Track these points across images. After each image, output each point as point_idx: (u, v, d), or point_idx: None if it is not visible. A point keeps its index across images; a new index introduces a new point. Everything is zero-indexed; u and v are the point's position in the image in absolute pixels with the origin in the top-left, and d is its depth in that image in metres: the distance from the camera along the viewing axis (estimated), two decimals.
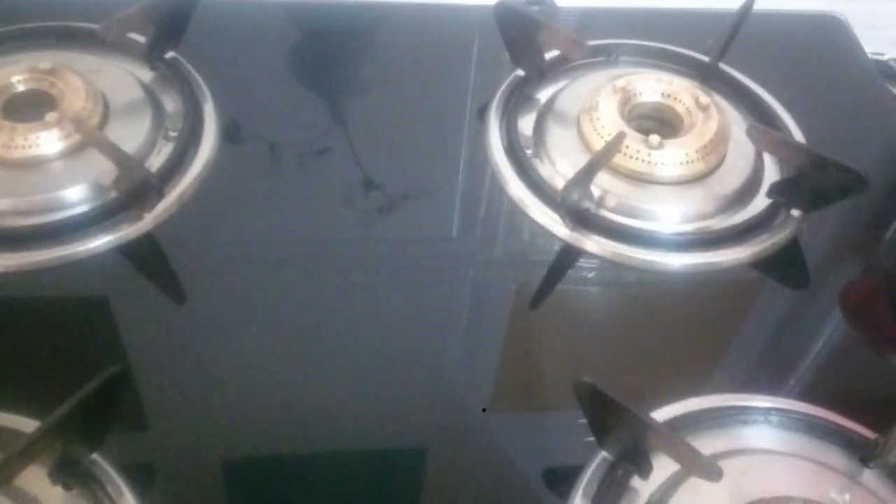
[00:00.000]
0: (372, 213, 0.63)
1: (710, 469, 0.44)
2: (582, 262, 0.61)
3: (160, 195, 0.55)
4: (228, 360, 0.54)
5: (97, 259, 0.56)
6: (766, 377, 0.56)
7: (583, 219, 0.60)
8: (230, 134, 0.66)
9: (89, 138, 0.56)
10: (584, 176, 0.58)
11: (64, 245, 0.56)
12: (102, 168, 0.58)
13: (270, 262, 0.59)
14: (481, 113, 0.70)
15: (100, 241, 0.57)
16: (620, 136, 0.61)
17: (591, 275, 0.61)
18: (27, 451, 0.42)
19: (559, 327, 0.59)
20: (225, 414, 0.51)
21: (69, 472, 0.45)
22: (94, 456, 0.46)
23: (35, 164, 0.58)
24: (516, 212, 0.63)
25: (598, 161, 0.59)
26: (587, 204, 0.60)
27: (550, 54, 0.70)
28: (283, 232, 0.61)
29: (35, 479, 0.45)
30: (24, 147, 0.58)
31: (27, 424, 0.46)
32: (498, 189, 0.65)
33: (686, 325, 0.59)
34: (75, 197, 0.58)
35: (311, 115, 0.70)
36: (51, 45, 0.67)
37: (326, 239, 0.62)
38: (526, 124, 0.68)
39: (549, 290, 0.61)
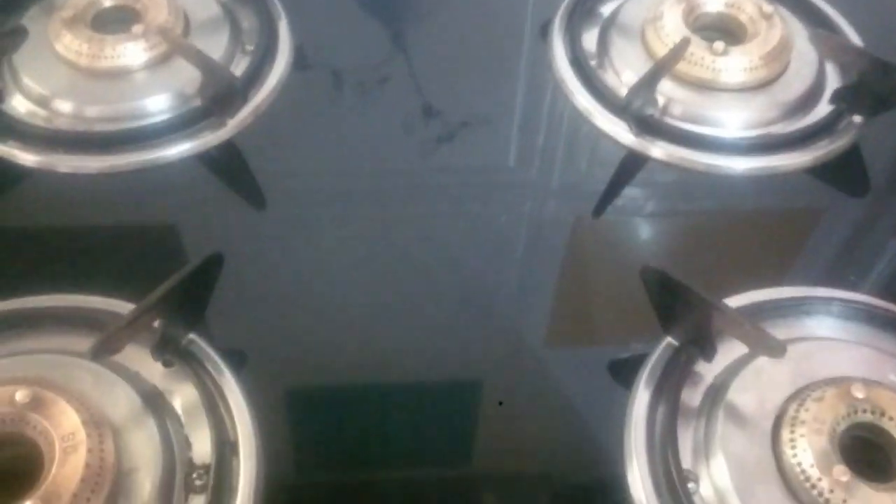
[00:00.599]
0: (431, 142, 0.65)
1: (774, 345, 0.46)
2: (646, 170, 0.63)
3: (244, 100, 0.58)
4: (299, 265, 0.56)
5: (181, 163, 0.59)
6: (827, 271, 0.57)
7: (647, 124, 0.61)
8: (301, 54, 0.68)
9: (176, 46, 0.59)
10: (649, 81, 0.59)
11: (149, 150, 0.59)
12: (185, 78, 0.61)
13: (335, 190, 0.62)
14: (543, 29, 0.71)
15: (183, 147, 0.60)
16: (685, 42, 0.62)
17: (654, 182, 0.63)
18: (130, 325, 0.45)
19: (621, 246, 0.61)
20: (297, 312, 0.54)
21: (170, 349, 0.48)
22: (192, 336, 0.49)
23: (122, 74, 0.61)
24: (580, 124, 0.65)
25: (663, 66, 0.60)
26: (651, 110, 0.61)
27: None
28: (347, 158, 0.63)
29: (138, 356, 0.48)
30: (111, 57, 0.61)
31: (124, 307, 0.49)
32: (560, 106, 0.67)
33: (748, 226, 0.61)
34: (160, 105, 0.61)
35: (374, 40, 0.72)
36: None
37: (386, 168, 0.64)
38: (589, 39, 0.69)
39: (614, 197, 0.63)
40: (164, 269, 0.48)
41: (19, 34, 0.59)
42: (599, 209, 0.62)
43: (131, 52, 0.61)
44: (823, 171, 0.63)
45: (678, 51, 0.61)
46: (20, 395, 0.43)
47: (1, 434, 0.43)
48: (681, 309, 0.48)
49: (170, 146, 0.59)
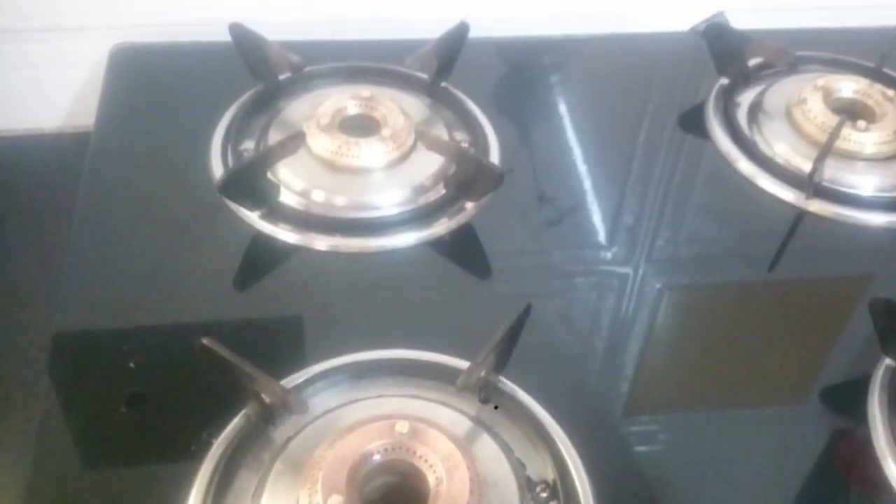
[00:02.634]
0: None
1: None
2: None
3: (500, 180, 0.68)
4: None
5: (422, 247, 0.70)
6: None
7: (819, 189, 0.73)
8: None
9: (433, 143, 0.69)
10: (823, 154, 0.72)
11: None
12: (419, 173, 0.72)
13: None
14: (694, 116, 0.83)
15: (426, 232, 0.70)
16: (842, 122, 0.74)
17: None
18: (480, 364, 0.55)
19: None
20: None
21: (489, 389, 0.57)
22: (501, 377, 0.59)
23: (366, 171, 0.72)
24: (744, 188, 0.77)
25: (831, 142, 0.72)
26: (819, 177, 0.73)
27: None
28: None
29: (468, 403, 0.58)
30: (357, 157, 0.72)
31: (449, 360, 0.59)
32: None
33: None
34: (401, 197, 0.71)
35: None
36: (340, 81, 0.81)
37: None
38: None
39: (781, 255, 0.74)
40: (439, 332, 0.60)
41: (300, 138, 0.69)
42: (772, 267, 0.73)
43: (376, 153, 0.72)
44: None
45: (838, 129, 0.73)
46: (399, 426, 0.52)
47: (387, 461, 0.52)
48: None
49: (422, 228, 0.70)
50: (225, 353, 0.52)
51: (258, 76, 0.79)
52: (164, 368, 0.60)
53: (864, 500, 0.59)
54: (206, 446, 0.55)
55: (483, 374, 0.57)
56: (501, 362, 0.58)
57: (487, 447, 0.55)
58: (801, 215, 0.74)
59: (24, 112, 0.89)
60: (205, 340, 0.52)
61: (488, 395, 0.58)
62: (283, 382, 0.56)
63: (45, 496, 0.53)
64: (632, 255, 0.73)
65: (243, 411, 0.56)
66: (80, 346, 0.62)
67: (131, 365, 0.60)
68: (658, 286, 0.71)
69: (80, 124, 0.86)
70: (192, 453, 0.54)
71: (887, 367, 0.61)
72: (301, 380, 0.58)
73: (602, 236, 0.75)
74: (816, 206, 0.74)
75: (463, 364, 0.58)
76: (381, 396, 0.58)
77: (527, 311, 0.57)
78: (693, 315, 0.71)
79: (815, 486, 0.58)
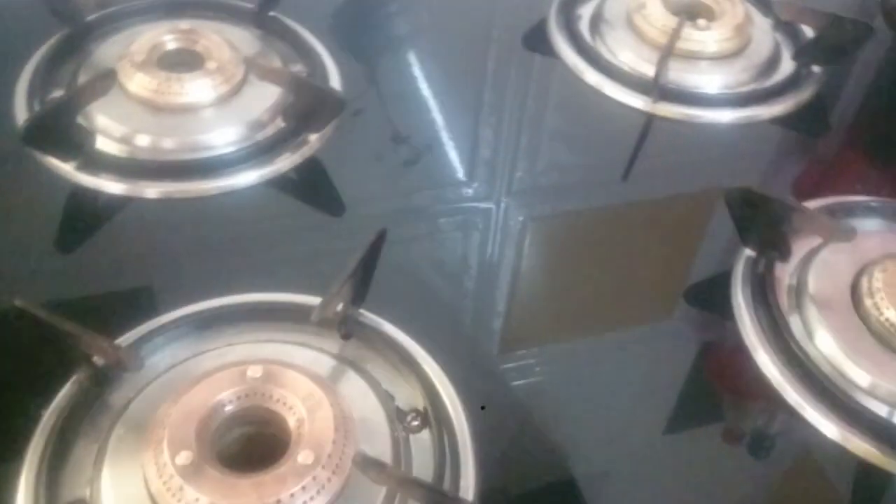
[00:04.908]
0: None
1: (848, 230, 0.56)
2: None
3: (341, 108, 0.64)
4: None
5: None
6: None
7: (664, 92, 0.72)
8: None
9: (265, 73, 0.64)
10: (665, 56, 0.70)
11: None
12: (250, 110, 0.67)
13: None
14: (538, 34, 0.81)
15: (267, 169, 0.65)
16: (682, 23, 0.73)
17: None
18: (337, 293, 0.50)
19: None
20: None
21: (348, 323, 0.53)
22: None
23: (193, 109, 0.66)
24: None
25: (671, 43, 0.71)
26: (663, 80, 0.72)
27: None
28: None
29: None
30: (181, 94, 0.65)
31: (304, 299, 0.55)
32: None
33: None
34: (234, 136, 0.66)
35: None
36: (156, 17, 0.74)
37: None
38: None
39: (634, 162, 0.73)
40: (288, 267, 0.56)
41: (111, 77, 0.63)
42: (626, 175, 0.72)
43: (203, 88, 0.66)
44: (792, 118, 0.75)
45: (678, 30, 0.72)
46: (252, 371, 0.47)
47: (241, 409, 0.47)
48: (761, 218, 0.58)
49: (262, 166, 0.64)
50: (41, 312, 0.46)
51: (62, 18, 0.71)
52: None
53: (739, 409, 0.58)
54: (35, 420, 0.48)
55: (340, 307, 0.52)
56: (360, 294, 0.54)
57: (352, 383, 0.51)
58: (650, 120, 0.73)
59: None
60: (17, 302, 0.46)
61: (349, 329, 0.54)
62: (117, 342, 0.50)
63: None
64: (492, 189, 0.70)
65: (73, 376, 0.49)
66: None
67: None
68: (521, 218, 0.69)
69: None
70: (18, 429, 0.48)
71: (747, 259, 0.61)
72: (136, 336, 0.52)
73: (461, 173, 0.71)
74: (664, 109, 0.73)
75: (315, 301, 0.54)
76: (229, 345, 0.53)
77: (381, 236, 0.53)
78: (559, 243, 0.69)
79: (691, 400, 0.57)
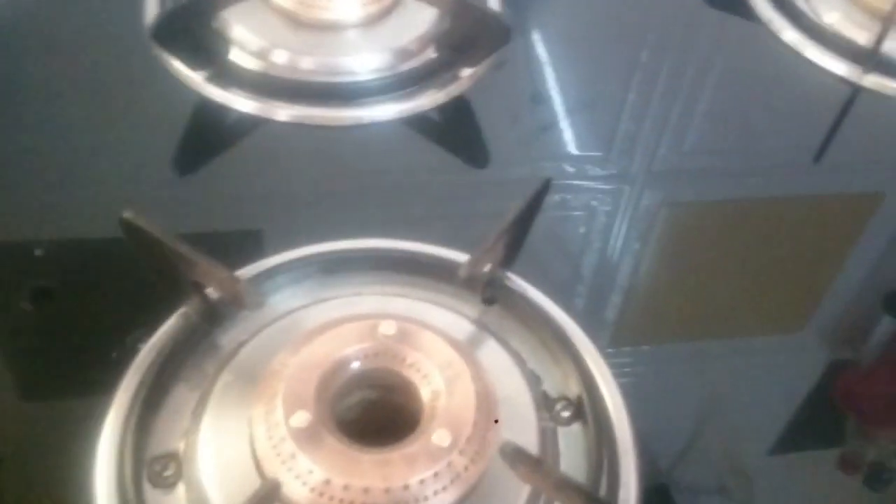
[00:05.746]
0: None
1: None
2: None
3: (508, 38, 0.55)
4: None
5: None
6: None
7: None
8: None
9: None
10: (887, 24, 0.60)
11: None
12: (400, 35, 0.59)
13: None
14: None
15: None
16: None
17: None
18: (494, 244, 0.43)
19: None
20: None
21: (495, 288, 0.45)
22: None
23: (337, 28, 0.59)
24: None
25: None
26: None
27: None
28: None
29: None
30: (327, 8, 0.58)
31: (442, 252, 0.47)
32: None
33: None
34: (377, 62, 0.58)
35: None
36: None
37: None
38: None
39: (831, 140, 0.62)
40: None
41: None
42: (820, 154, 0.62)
43: (352, 4, 0.59)
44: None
45: None
46: (384, 327, 0.40)
47: (368, 370, 0.39)
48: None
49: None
50: (154, 230, 0.40)
51: None
52: (79, 256, 0.47)
53: (861, 436, 0.49)
54: (132, 354, 0.42)
55: (488, 267, 0.45)
56: (511, 254, 0.45)
57: (494, 356, 0.43)
58: (855, 92, 0.63)
59: None
60: (126, 214, 0.40)
61: (494, 294, 0.46)
62: (236, 273, 0.44)
63: None
64: (630, 165, 0.61)
65: (181, 309, 0.43)
66: None
67: (37, 253, 0.47)
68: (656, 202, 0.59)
69: None
70: (112, 363, 0.42)
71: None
72: (257, 271, 0.45)
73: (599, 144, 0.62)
74: (877, 83, 0.62)
75: (457, 257, 0.46)
76: (357, 294, 0.46)
77: (546, 185, 0.44)
78: (695, 234, 0.59)
79: (810, 421, 0.48)
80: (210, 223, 0.52)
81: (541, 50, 0.67)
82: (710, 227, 0.59)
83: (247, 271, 0.45)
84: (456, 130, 0.59)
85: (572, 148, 0.61)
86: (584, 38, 0.69)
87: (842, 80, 0.63)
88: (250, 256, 0.47)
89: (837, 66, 0.63)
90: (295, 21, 0.58)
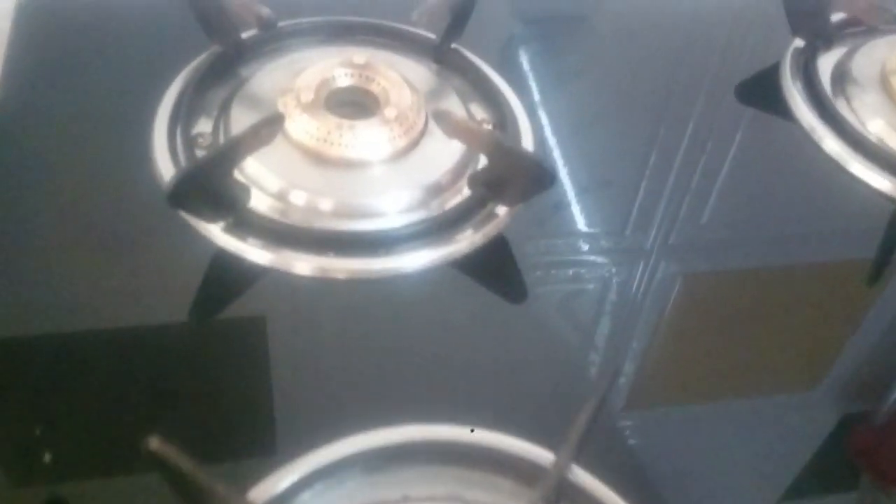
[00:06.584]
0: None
1: None
2: None
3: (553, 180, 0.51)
4: None
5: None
6: None
7: None
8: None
9: (455, 127, 0.52)
10: None
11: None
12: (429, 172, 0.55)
13: None
14: (765, 84, 0.68)
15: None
16: None
17: None
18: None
19: None
20: None
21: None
22: None
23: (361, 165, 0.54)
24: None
25: None
26: None
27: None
28: None
29: None
30: (351, 145, 0.54)
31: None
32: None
33: None
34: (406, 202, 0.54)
35: None
36: (321, 41, 0.63)
37: None
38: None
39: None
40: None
41: (277, 122, 0.51)
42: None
43: (377, 141, 0.54)
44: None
45: None
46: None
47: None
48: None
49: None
50: (175, 459, 0.35)
51: (214, 34, 0.60)
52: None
53: (875, 492, 0.49)
54: None
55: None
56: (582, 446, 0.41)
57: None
58: None
59: None
60: (152, 444, 0.35)
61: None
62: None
63: None
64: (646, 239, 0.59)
65: None
66: None
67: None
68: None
69: None
70: None
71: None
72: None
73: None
74: None
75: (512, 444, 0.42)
76: (405, 500, 0.41)
77: (614, 378, 0.40)
78: (708, 304, 0.58)
79: (822, 480, 0.49)
80: (227, 395, 0.47)
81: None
82: (725, 297, 0.58)
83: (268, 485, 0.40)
84: (493, 270, 0.55)
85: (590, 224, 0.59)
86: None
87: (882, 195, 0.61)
88: (272, 446, 0.44)
89: (880, 182, 0.61)
90: (317, 158, 0.54)
